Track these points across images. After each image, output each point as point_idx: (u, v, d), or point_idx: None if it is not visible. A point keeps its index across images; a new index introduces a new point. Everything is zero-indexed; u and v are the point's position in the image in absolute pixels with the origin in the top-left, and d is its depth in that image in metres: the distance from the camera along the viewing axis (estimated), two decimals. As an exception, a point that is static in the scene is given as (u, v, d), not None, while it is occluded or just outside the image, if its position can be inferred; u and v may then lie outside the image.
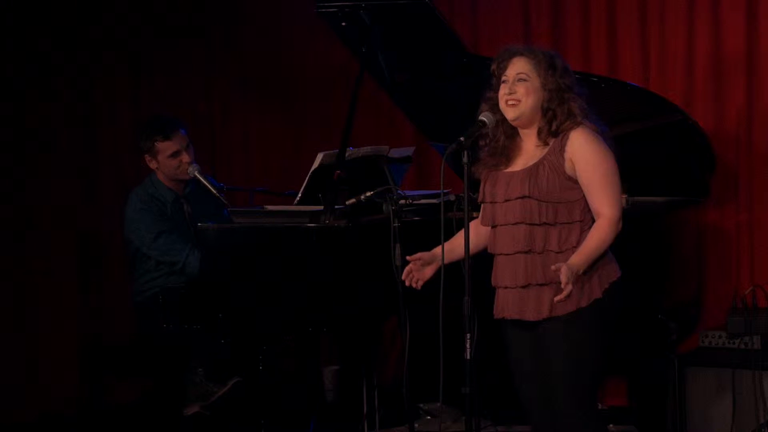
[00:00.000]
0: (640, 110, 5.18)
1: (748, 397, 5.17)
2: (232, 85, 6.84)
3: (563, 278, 3.80)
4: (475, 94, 4.17)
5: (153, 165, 5.41)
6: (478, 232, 4.14)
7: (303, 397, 5.96)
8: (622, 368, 5.79)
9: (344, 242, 4.72)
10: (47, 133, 6.60)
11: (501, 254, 4.04)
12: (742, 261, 5.76)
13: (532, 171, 3.97)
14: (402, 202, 4.63)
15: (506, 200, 4.01)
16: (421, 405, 5.79)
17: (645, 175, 5.06)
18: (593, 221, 3.97)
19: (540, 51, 4.04)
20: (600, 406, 5.05)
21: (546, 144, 4.01)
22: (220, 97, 6.85)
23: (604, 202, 3.94)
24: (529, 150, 4.06)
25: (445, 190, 4.15)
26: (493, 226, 4.07)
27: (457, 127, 4.04)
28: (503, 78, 4.02)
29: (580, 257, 3.88)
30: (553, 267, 3.84)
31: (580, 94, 4.04)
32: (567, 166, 3.96)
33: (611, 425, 5.44)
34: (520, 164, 4.05)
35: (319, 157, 5.02)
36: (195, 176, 5.36)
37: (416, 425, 5.58)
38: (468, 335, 3.90)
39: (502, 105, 4.02)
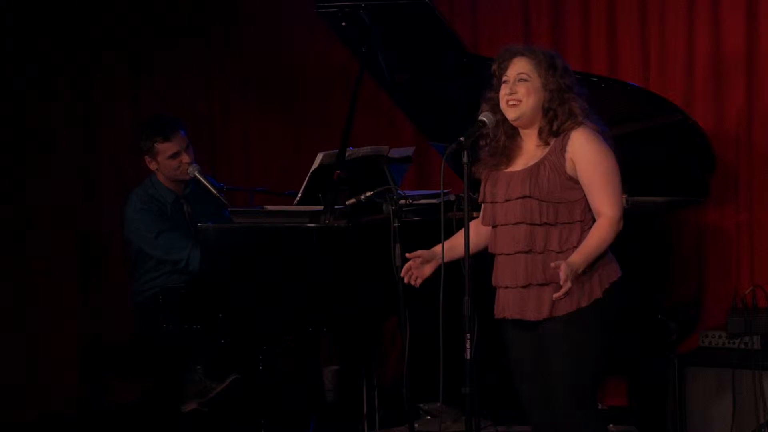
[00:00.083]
0: (640, 110, 5.18)
1: (748, 397, 5.17)
2: (232, 85, 6.84)
3: (562, 276, 3.80)
4: (475, 94, 4.17)
5: (153, 166, 5.41)
6: (478, 232, 4.14)
7: (303, 397, 5.96)
8: (622, 368, 5.79)
9: (344, 242, 4.72)
10: (47, 133, 6.60)
11: (501, 254, 4.04)
12: (742, 261, 5.76)
13: (533, 171, 3.97)
14: (402, 202, 4.63)
15: (507, 200, 4.01)
16: (421, 405, 5.79)
17: (645, 175, 5.06)
18: (594, 221, 3.97)
19: (540, 51, 4.05)
20: (600, 406, 5.05)
21: (547, 144, 4.01)
22: (220, 97, 6.85)
23: (605, 201, 3.94)
24: (530, 150, 4.06)
25: (445, 190, 4.15)
26: (494, 226, 4.07)
27: (457, 127, 4.04)
28: (504, 78, 4.03)
29: (579, 256, 3.88)
30: (552, 264, 3.84)
31: (581, 94, 4.04)
32: (568, 165, 3.96)
33: (611, 425, 5.44)
34: (520, 164, 4.05)
35: (319, 157, 5.01)
36: (195, 176, 5.36)
37: (416, 425, 5.58)
38: (468, 335, 3.90)
39: (502, 105, 4.02)
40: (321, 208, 4.76)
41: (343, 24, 5.13)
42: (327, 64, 6.49)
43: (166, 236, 5.30)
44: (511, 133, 4.08)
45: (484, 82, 4.11)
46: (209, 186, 5.36)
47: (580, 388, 3.98)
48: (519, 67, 4.00)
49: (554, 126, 4.00)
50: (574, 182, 3.96)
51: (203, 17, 6.81)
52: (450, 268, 4.07)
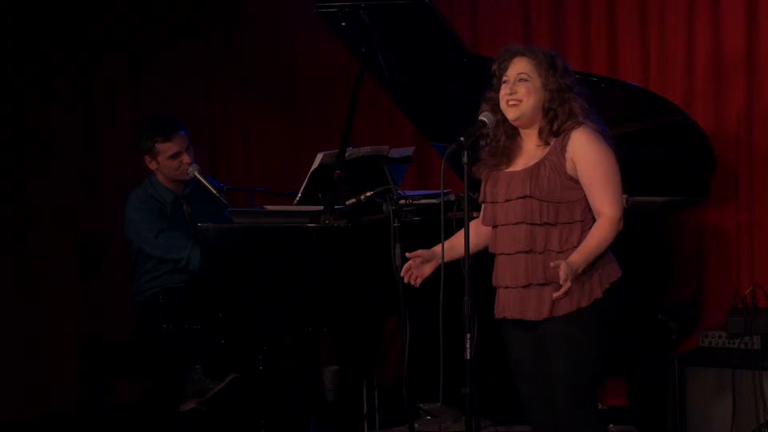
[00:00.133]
0: (640, 110, 5.18)
1: (748, 397, 5.17)
2: (232, 85, 6.84)
3: (562, 275, 3.80)
4: (475, 94, 4.17)
5: (153, 166, 5.41)
6: (478, 232, 4.14)
7: (303, 397, 5.97)
8: (622, 368, 5.79)
9: (344, 242, 4.72)
10: (47, 133, 6.60)
11: (502, 254, 4.04)
12: (742, 261, 5.76)
13: (533, 171, 3.97)
14: (402, 202, 4.63)
15: (507, 200, 4.01)
16: (421, 405, 5.79)
17: (645, 175, 5.06)
18: (594, 221, 3.97)
19: (541, 51, 4.05)
20: (600, 406, 5.05)
21: (547, 144, 4.01)
22: (220, 97, 6.86)
23: (606, 201, 3.94)
24: (530, 150, 4.06)
25: (445, 190, 4.15)
26: (494, 226, 4.07)
27: (457, 127, 4.04)
28: (504, 78, 4.03)
29: (579, 255, 3.88)
30: (552, 264, 3.84)
31: (581, 94, 4.04)
32: (568, 165, 3.96)
33: (611, 425, 5.44)
34: (521, 164, 4.05)
35: (319, 157, 5.02)
36: (195, 176, 5.36)
37: (416, 425, 5.58)
38: (468, 335, 3.90)
39: (503, 105, 4.02)
40: (321, 208, 4.76)
41: (343, 24, 5.13)
42: (327, 64, 6.50)
43: (166, 235, 5.30)
44: (512, 133, 4.08)
45: (484, 82, 4.11)
46: (209, 186, 5.36)
47: (580, 388, 3.98)
48: (519, 67, 4.00)
49: (554, 126, 4.00)
50: (575, 182, 3.96)
51: (203, 17, 6.81)
52: (450, 268, 4.07)
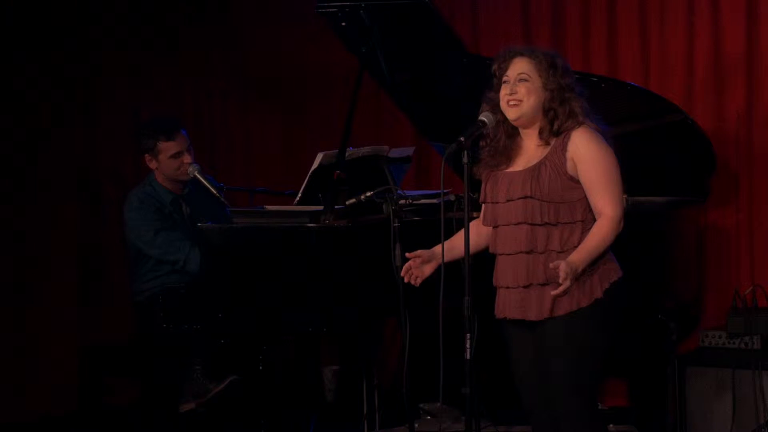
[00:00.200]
0: (640, 110, 5.18)
1: (748, 397, 5.17)
2: (232, 85, 6.84)
3: (561, 274, 3.80)
4: (475, 94, 4.17)
5: (153, 165, 5.41)
6: (478, 232, 4.14)
7: (303, 397, 5.97)
8: (622, 368, 5.79)
9: (344, 242, 4.72)
10: (47, 133, 6.60)
11: (503, 254, 4.04)
12: (742, 261, 5.76)
13: (534, 171, 3.97)
14: (402, 202, 4.63)
15: (508, 200, 4.00)
16: (421, 405, 5.79)
17: (645, 175, 5.06)
18: (595, 221, 3.97)
19: (541, 51, 4.04)
20: (600, 406, 5.05)
21: (547, 144, 4.01)
22: (220, 97, 6.85)
23: (606, 201, 3.94)
24: (530, 150, 4.06)
25: (445, 190, 4.15)
26: (495, 227, 4.06)
27: (457, 127, 4.04)
28: (504, 78, 4.02)
29: (579, 255, 3.88)
30: (551, 265, 3.84)
31: (581, 94, 4.04)
32: (569, 165, 3.96)
33: (611, 425, 5.44)
34: (521, 164, 4.05)
35: (319, 157, 5.02)
36: (195, 176, 5.36)
37: (416, 425, 5.58)
38: (468, 335, 3.90)
39: (503, 105, 4.02)
40: (321, 208, 4.76)
41: (343, 24, 5.13)
42: (327, 64, 6.49)
43: (164, 236, 5.29)
44: (512, 133, 4.08)
45: (484, 82, 4.11)
46: (209, 186, 5.35)
47: (580, 388, 3.98)
48: (519, 67, 4.00)
49: (555, 126, 4.00)
50: (575, 182, 3.96)
51: (203, 17, 6.81)
52: (450, 268, 4.07)
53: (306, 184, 5.05)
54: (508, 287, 4.03)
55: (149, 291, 5.31)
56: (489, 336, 4.09)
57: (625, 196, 4.08)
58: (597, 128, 4.01)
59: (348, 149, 4.97)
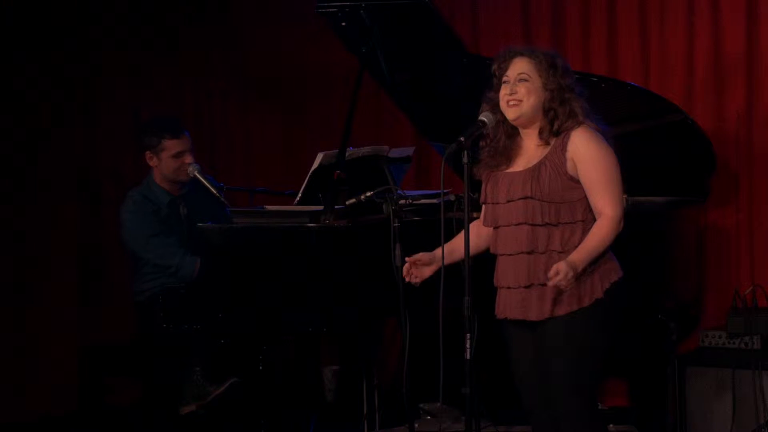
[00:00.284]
0: (640, 110, 5.18)
1: (748, 397, 5.17)
2: (232, 85, 6.84)
3: (561, 274, 3.79)
4: (475, 94, 4.17)
5: (153, 162, 5.40)
6: (479, 233, 4.14)
7: (303, 397, 5.96)
8: (622, 368, 5.79)
9: (344, 242, 4.72)
10: (47, 133, 6.60)
11: (504, 255, 4.04)
12: (742, 261, 5.76)
13: (534, 171, 3.97)
14: (402, 202, 4.63)
15: (508, 201, 4.00)
16: (421, 405, 5.79)
17: (645, 175, 5.06)
18: (595, 221, 3.97)
19: (541, 51, 4.05)
20: (600, 406, 5.05)
21: (547, 144, 4.01)
22: (220, 97, 6.85)
23: (606, 201, 3.94)
24: (530, 150, 4.06)
25: (445, 190, 4.15)
26: (496, 227, 4.06)
27: (457, 127, 4.04)
28: (504, 78, 4.02)
29: (579, 254, 3.88)
30: (549, 275, 3.83)
31: (581, 94, 4.04)
32: (569, 165, 3.96)
33: (611, 425, 5.44)
34: (521, 164, 4.05)
35: (319, 157, 5.02)
36: (195, 176, 5.36)
37: (416, 425, 5.58)
38: (468, 335, 3.90)
39: (503, 105, 4.02)
40: (321, 208, 4.76)
41: (343, 24, 5.13)
42: (327, 64, 6.49)
43: (158, 241, 5.29)
44: (512, 133, 4.08)
45: (484, 82, 4.11)
46: (209, 186, 5.35)
47: (580, 388, 3.98)
48: (519, 68, 4.00)
49: (555, 126, 4.00)
50: (575, 182, 3.96)
51: (203, 17, 6.81)
52: (450, 270, 4.06)
53: (306, 184, 5.05)
54: (509, 287, 4.03)
55: (149, 291, 5.31)
56: (489, 336, 4.09)
57: (625, 196, 4.08)
58: (597, 128, 4.01)
59: (348, 149, 4.97)
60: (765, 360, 5.16)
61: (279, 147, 6.76)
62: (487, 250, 4.12)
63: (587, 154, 3.95)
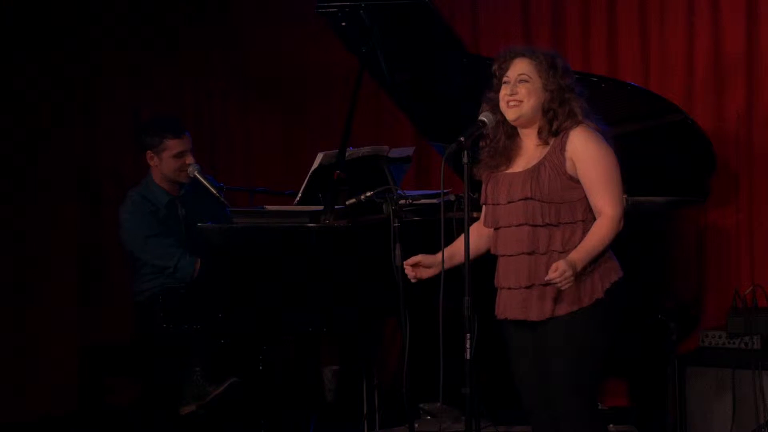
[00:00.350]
0: (640, 110, 5.18)
1: (748, 397, 5.17)
2: (232, 85, 6.84)
3: (559, 272, 3.79)
4: (475, 94, 4.17)
5: (154, 162, 5.40)
6: (479, 234, 4.13)
7: (303, 397, 5.96)
8: (622, 368, 5.79)
9: (344, 242, 4.72)
10: (47, 133, 6.60)
11: (504, 255, 4.04)
12: (742, 261, 5.76)
13: (534, 172, 3.97)
14: (402, 202, 4.63)
15: (509, 202, 4.00)
16: (421, 405, 5.79)
17: (645, 175, 5.06)
18: (595, 220, 3.97)
19: (541, 52, 4.04)
20: (600, 406, 5.05)
21: (546, 144, 4.01)
22: (220, 97, 6.85)
23: (606, 200, 3.94)
24: (530, 150, 4.06)
25: (445, 190, 4.15)
26: (496, 228, 4.06)
27: (457, 127, 4.04)
28: (504, 79, 4.02)
29: (579, 254, 3.88)
30: (546, 278, 3.83)
31: (581, 95, 4.04)
32: (568, 165, 3.96)
33: (611, 425, 5.43)
34: (521, 165, 4.05)
35: (319, 157, 5.02)
36: (195, 176, 5.36)
37: (416, 425, 5.58)
38: (468, 335, 3.89)
39: (503, 106, 4.02)
40: (321, 208, 4.76)
41: (343, 24, 5.13)
42: (327, 64, 6.49)
43: (156, 242, 5.29)
44: (511, 133, 4.08)
45: (484, 82, 4.11)
46: (209, 186, 5.35)
47: (580, 388, 3.98)
48: (520, 68, 4.00)
49: (554, 126, 4.00)
50: (575, 182, 3.96)
51: (203, 17, 6.81)
52: (450, 271, 4.06)
53: (306, 184, 5.05)
54: (509, 288, 4.03)
55: (149, 291, 5.31)
56: (489, 336, 4.09)
57: (625, 196, 4.08)
58: (596, 128, 4.01)
59: (348, 149, 4.97)
60: (765, 360, 5.16)
61: (279, 147, 6.76)
62: (488, 251, 4.12)
63: (586, 154, 3.95)
